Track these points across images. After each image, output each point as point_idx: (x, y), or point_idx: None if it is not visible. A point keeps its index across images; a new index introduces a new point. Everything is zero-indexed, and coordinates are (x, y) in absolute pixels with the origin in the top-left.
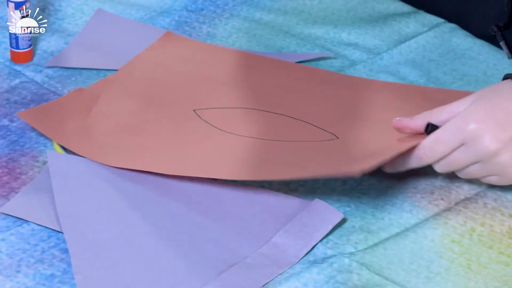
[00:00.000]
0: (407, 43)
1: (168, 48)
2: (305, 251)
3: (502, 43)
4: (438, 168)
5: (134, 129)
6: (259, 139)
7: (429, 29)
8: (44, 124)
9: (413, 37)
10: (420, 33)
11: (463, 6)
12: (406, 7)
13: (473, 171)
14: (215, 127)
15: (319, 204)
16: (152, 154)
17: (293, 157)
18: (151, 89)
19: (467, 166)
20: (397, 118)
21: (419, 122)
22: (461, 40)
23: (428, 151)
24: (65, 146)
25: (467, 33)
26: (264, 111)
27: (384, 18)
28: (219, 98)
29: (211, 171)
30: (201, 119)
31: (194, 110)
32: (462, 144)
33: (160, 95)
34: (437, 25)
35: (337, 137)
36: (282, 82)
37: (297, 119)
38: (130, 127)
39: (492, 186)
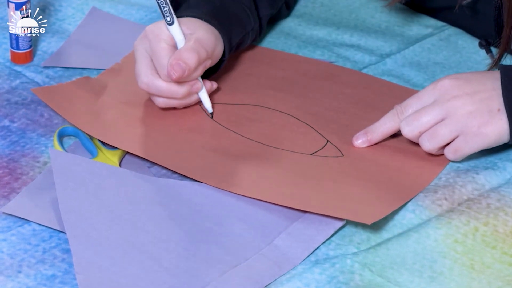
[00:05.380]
0: (411, 48)
1: None
2: (307, 253)
3: (489, 55)
4: (404, 124)
5: (141, 118)
6: (263, 144)
7: (434, 33)
8: (57, 102)
9: (416, 39)
10: (425, 36)
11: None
12: (409, 10)
13: (440, 130)
14: (222, 126)
15: None
16: (160, 146)
17: (297, 183)
18: None
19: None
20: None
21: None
22: (467, 43)
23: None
24: (76, 125)
25: (473, 37)
26: (270, 108)
27: (387, 21)
28: (224, 91)
29: (215, 180)
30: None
31: (199, 104)
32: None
33: None
34: (442, 29)
35: (342, 154)
36: (288, 75)
37: (303, 122)
38: (137, 117)
39: (494, 187)
